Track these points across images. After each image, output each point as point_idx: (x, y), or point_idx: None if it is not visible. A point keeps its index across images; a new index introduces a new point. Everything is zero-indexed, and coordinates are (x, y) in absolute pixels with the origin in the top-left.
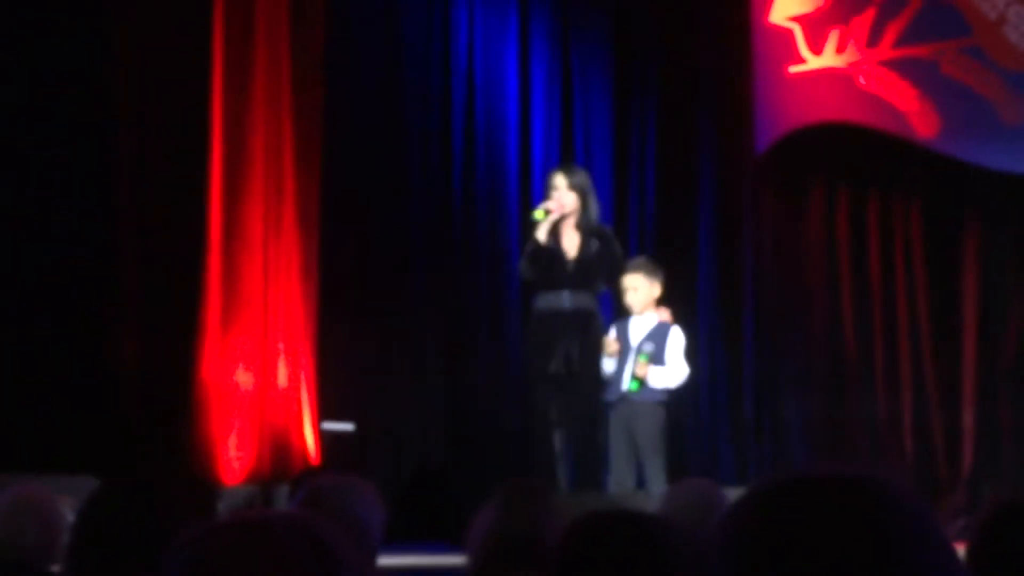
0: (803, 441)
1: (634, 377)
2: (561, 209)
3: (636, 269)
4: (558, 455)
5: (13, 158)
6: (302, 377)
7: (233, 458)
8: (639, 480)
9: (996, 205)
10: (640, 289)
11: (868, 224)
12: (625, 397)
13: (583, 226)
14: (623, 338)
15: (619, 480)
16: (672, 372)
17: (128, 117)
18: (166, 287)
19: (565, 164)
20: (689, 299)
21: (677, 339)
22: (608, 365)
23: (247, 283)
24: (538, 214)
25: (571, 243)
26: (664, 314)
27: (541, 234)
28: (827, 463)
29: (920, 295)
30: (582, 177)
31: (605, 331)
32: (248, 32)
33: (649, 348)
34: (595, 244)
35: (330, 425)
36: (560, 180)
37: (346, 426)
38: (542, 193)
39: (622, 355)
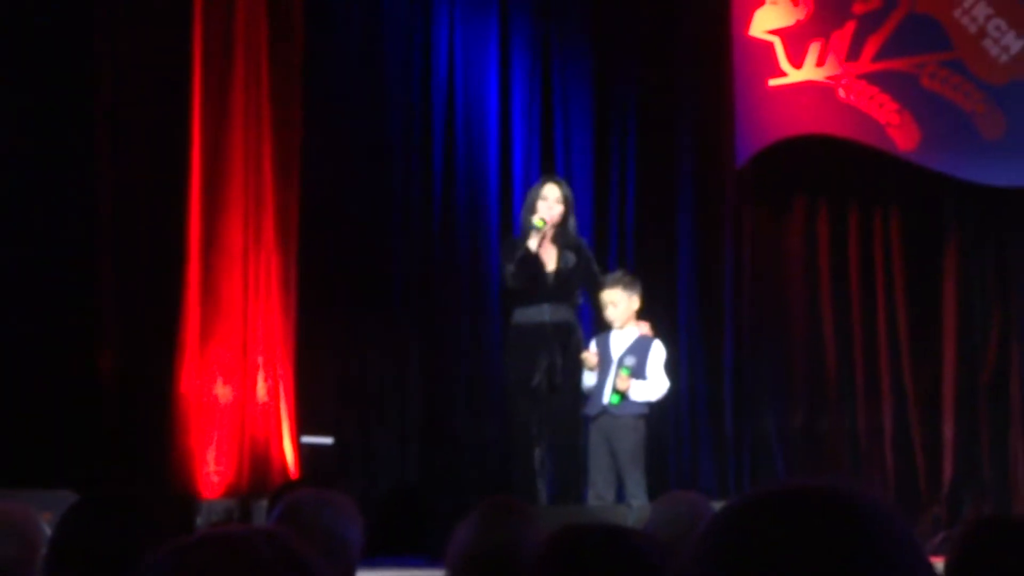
0: (783, 454)
1: (615, 391)
2: (553, 220)
3: (615, 284)
4: (538, 468)
5: None
6: (281, 390)
7: (212, 472)
8: (619, 494)
9: (976, 217)
10: (619, 304)
11: (848, 237)
12: (605, 411)
13: (562, 239)
14: (604, 352)
15: (599, 493)
16: (653, 386)
17: (107, 129)
18: (145, 299)
19: (554, 175)
20: (669, 312)
21: (658, 353)
22: (588, 379)
23: (226, 296)
24: (539, 222)
25: (549, 256)
26: (644, 328)
27: (534, 243)
28: (806, 476)
29: (900, 307)
30: (568, 189)
31: (585, 344)
32: (228, 45)
33: (631, 362)
34: (572, 257)
35: (309, 439)
36: (552, 191)
37: (325, 440)
38: (521, 206)
39: (603, 369)
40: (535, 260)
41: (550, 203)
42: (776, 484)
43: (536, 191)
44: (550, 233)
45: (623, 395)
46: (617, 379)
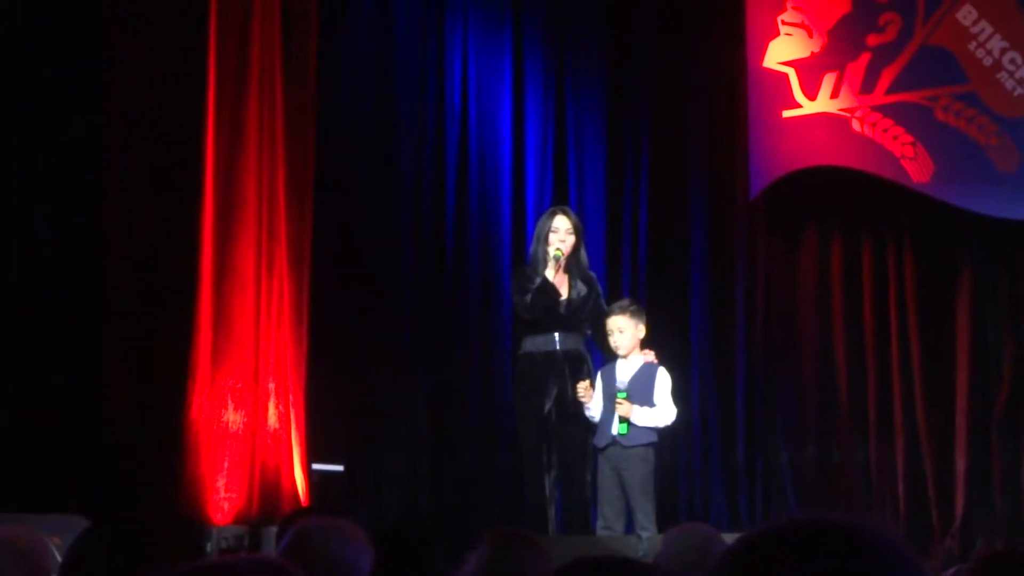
0: (795, 486)
1: (620, 419)
2: (566, 251)
3: (622, 311)
4: (549, 497)
5: (4, 197)
6: (292, 418)
7: (222, 498)
8: (628, 524)
9: (989, 250)
10: (626, 330)
11: (861, 269)
12: (615, 441)
13: (574, 269)
14: (610, 382)
15: (608, 524)
16: (659, 412)
17: (119, 156)
18: (157, 326)
19: (564, 206)
20: (682, 342)
21: (664, 380)
22: (595, 409)
23: (238, 323)
24: (556, 252)
25: (562, 285)
26: (650, 355)
27: (551, 273)
28: (818, 509)
29: (913, 340)
30: (577, 219)
31: (594, 375)
32: (241, 73)
33: (624, 385)
34: (583, 288)
35: (320, 466)
36: (563, 222)
37: (335, 467)
38: (540, 229)
39: (609, 397)
40: (552, 290)
41: (561, 234)
42: (790, 518)
43: (546, 222)
44: (563, 263)
45: (630, 423)
46: (616, 406)
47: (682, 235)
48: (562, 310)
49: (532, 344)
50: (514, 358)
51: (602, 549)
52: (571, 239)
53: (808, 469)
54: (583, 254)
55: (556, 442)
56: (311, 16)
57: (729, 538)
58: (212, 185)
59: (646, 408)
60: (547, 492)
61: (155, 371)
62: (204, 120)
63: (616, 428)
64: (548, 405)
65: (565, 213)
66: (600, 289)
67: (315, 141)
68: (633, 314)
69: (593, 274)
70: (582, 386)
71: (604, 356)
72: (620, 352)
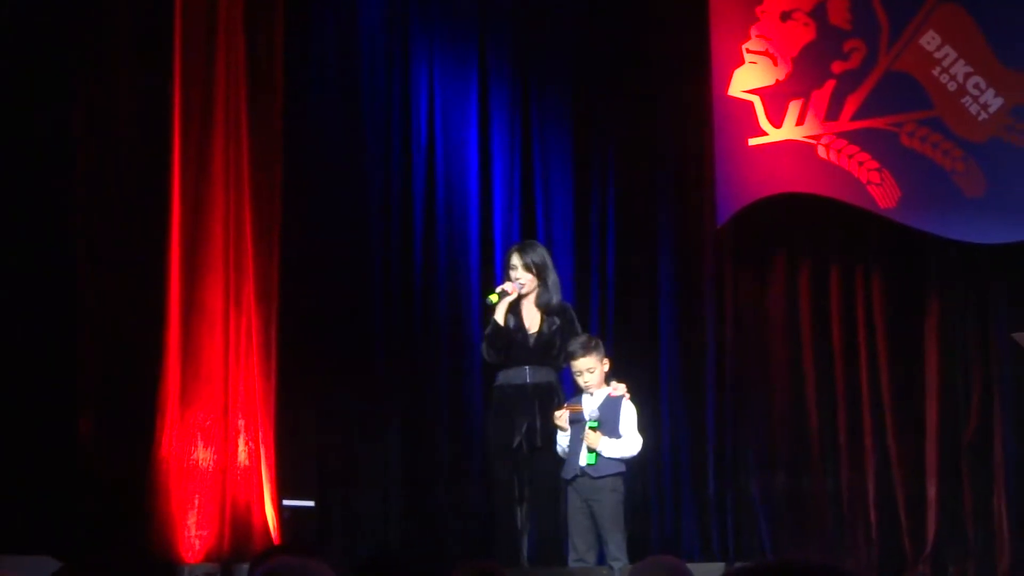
0: (767, 515)
1: (589, 449)
2: (517, 289)
3: (587, 351)
4: (520, 529)
5: None
6: (262, 454)
7: (193, 536)
8: (600, 555)
9: (958, 276)
10: (595, 369)
11: (830, 296)
12: (584, 473)
13: (542, 304)
14: (578, 416)
15: (580, 556)
16: (625, 444)
17: (86, 193)
18: (125, 363)
19: (521, 243)
20: (651, 372)
21: (629, 412)
22: (562, 441)
23: (207, 359)
24: (492, 298)
25: (532, 320)
26: (621, 388)
27: (499, 316)
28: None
29: (883, 366)
30: (538, 255)
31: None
32: (207, 108)
33: (595, 415)
34: (555, 321)
35: (291, 502)
36: (516, 260)
37: (307, 503)
38: (503, 266)
39: (575, 430)
40: (507, 331)
41: (518, 271)
42: (767, 561)
43: (506, 260)
44: (531, 298)
45: (597, 453)
46: (585, 436)
47: (650, 265)
48: (531, 343)
49: (504, 377)
50: (486, 391)
51: None
52: (528, 276)
53: (779, 497)
54: (551, 286)
55: (527, 474)
56: (276, 50)
57: (699, 569)
58: (179, 221)
59: (613, 440)
60: (519, 524)
61: (124, 409)
62: (170, 157)
63: (584, 459)
64: (518, 438)
65: (519, 251)
66: (573, 315)
67: (282, 176)
68: (595, 350)
69: (565, 304)
70: (558, 413)
71: (574, 388)
72: (592, 391)
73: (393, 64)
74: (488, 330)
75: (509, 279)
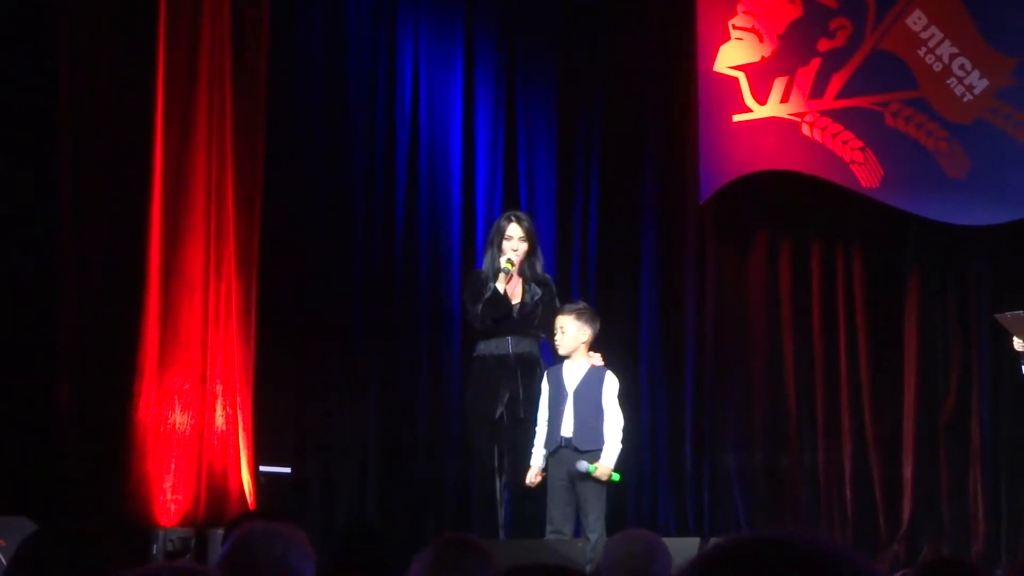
0: (743, 492)
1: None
2: (519, 258)
3: (568, 312)
4: (498, 500)
5: None
6: (240, 420)
7: (169, 500)
8: (577, 528)
9: (938, 256)
10: (567, 331)
11: (811, 274)
12: (566, 444)
13: (528, 272)
14: (557, 383)
15: (557, 528)
16: (612, 442)
17: (68, 156)
18: (103, 327)
19: (515, 213)
20: (631, 347)
21: (611, 384)
22: (543, 413)
23: (185, 325)
24: (507, 264)
25: (515, 289)
26: (597, 359)
27: (501, 285)
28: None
29: (861, 346)
30: (530, 224)
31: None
32: (191, 74)
33: (584, 468)
34: (537, 291)
35: (267, 468)
36: (515, 229)
37: (283, 470)
38: (491, 236)
39: (557, 402)
40: (502, 302)
41: (515, 242)
42: (747, 535)
43: (500, 229)
44: (514, 272)
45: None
46: (593, 473)
47: (632, 238)
48: (515, 314)
49: (485, 347)
50: (465, 362)
51: (549, 553)
52: (524, 246)
53: (756, 474)
54: (538, 257)
55: (507, 446)
56: (262, 18)
57: (674, 544)
58: (160, 186)
59: (606, 451)
60: (497, 496)
61: (102, 372)
62: (153, 121)
63: (586, 467)
64: (500, 409)
65: (518, 219)
66: (555, 290)
67: (264, 144)
68: (579, 315)
69: (548, 276)
70: (530, 475)
71: (554, 359)
72: (560, 351)
73: (379, 32)
74: (487, 296)
75: (498, 250)
